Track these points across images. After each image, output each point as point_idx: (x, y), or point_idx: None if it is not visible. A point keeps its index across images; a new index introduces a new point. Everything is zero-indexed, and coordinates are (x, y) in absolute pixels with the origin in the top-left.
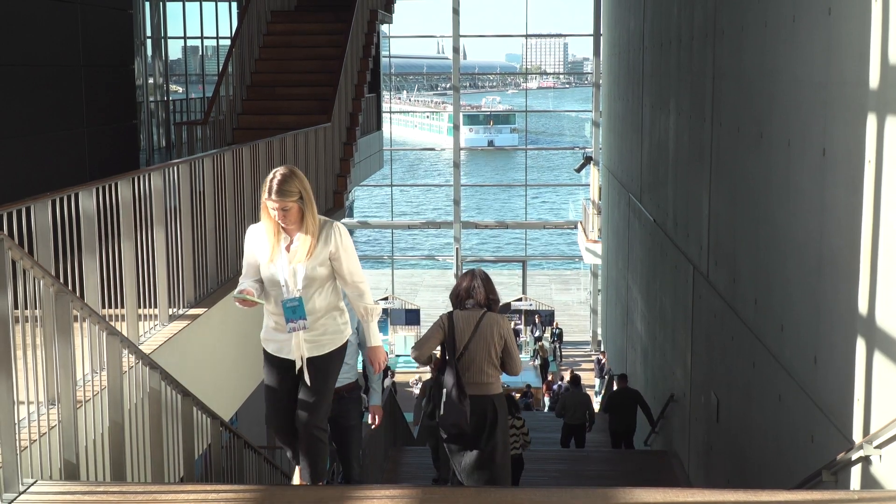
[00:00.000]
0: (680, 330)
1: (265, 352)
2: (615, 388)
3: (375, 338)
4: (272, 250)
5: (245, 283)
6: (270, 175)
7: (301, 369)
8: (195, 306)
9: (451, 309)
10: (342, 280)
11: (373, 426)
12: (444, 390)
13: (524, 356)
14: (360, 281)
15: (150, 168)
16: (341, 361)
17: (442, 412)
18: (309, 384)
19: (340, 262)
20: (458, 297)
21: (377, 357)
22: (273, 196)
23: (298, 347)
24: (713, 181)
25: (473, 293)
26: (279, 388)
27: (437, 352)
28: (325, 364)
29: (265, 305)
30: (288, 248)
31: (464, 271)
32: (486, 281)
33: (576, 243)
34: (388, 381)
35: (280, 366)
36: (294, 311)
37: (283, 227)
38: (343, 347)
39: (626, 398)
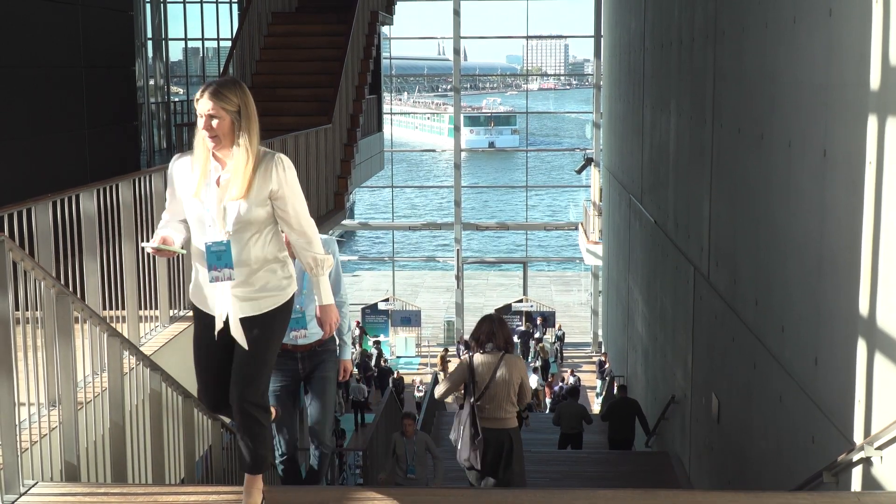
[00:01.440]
0: (680, 331)
1: (193, 309)
2: (615, 393)
3: (327, 295)
4: (198, 183)
5: (167, 227)
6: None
7: (225, 329)
8: None
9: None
10: (287, 225)
11: (341, 379)
12: (462, 428)
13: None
14: (309, 226)
15: (150, 169)
16: (285, 324)
17: (459, 447)
18: (246, 348)
19: (285, 201)
20: (479, 341)
21: (328, 317)
22: (206, 95)
23: (224, 302)
24: (714, 182)
25: (493, 338)
26: (208, 355)
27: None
28: (265, 325)
29: (193, 251)
30: (218, 182)
31: (482, 316)
32: (503, 325)
33: (576, 244)
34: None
35: (211, 326)
36: (219, 258)
37: (214, 156)
38: (287, 307)
39: (624, 408)
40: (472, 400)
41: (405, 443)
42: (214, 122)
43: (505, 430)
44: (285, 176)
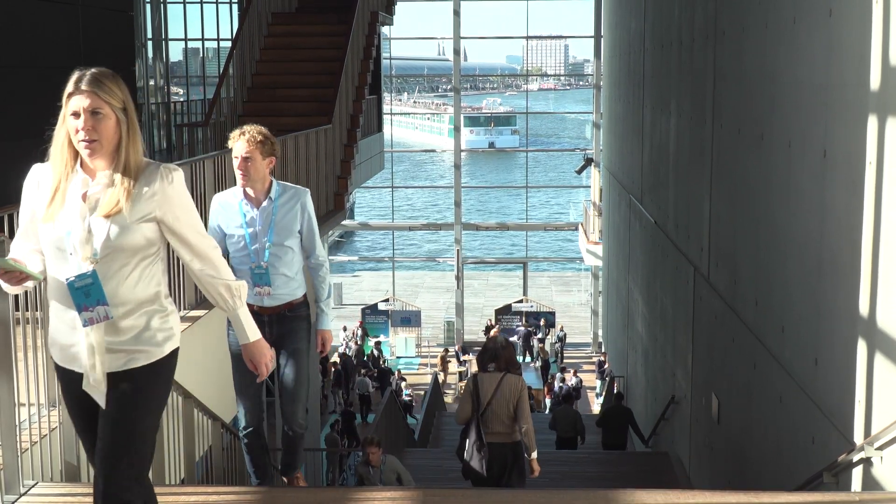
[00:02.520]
0: (681, 331)
1: (57, 368)
2: (613, 394)
3: (252, 329)
4: (53, 196)
5: (15, 251)
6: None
7: (90, 386)
8: (196, 308)
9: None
10: (184, 249)
11: (320, 353)
12: (468, 441)
13: (526, 358)
14: (212, 246)
15: None
16: (161, 387)
17: (467, 459)
18: (110, 412)
19: (177, 222)
20: (483, 362)
21: (257, 357)
22: (84, 85)
23: (91, 352)
24: (714, 182)
25: (496, 360)
26: (85, 427)
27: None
28: (136, 383)
29: (52, 290)
30: (84, 198)
31: (489, 337)
32: (507, 348)
33: (576, 245)
34: (395, 384)
35: (79, 390)
36: (87, 294)
37: (83, 166)
38: (166, 368)
39: (618, 415)
40: (478, 414)
41: (371, 473)
42: (97, 122)
43: (507, 444)
44: (172, 191)
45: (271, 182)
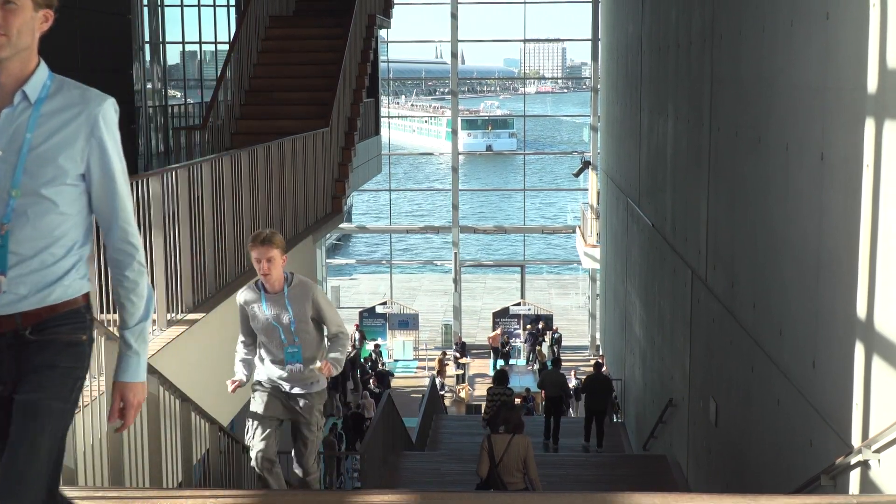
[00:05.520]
0: (678, 334)
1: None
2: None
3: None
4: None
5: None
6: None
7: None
8: (193, 311)
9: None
10: None
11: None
12: (492, 490)
13: (521, 361)
14: None
15: (148, 173)
16: None
17: None
18: None
19: None
20: (495, 424)
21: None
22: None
23: None
24: (711, 185)
25: (507, 422)
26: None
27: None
28: None
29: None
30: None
31: (500, 403)
32: (515, 411)
33: (574, 248)
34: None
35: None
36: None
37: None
38: None
39: (598, 382)
40: (495, 470)
41: (265, 302)
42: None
43: (517, 493)
44: None
45: None
